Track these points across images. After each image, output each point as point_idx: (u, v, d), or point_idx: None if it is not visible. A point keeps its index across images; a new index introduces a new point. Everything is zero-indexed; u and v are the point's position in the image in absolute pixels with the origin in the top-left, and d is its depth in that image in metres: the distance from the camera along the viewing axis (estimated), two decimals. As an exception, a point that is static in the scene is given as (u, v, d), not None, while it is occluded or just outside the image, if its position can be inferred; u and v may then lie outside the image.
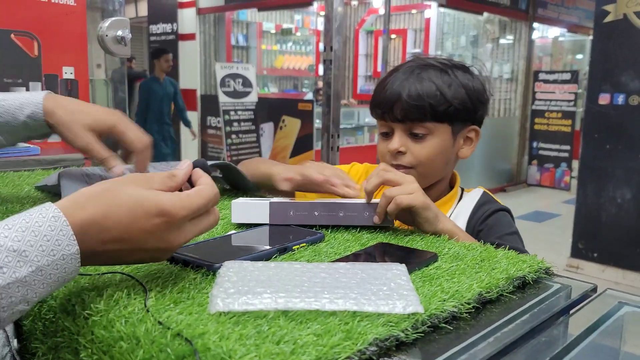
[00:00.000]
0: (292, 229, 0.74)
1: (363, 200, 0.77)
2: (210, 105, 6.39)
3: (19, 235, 0.44)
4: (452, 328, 0.50)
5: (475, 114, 0.98)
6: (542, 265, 0.64)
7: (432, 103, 0.92)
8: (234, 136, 5.71)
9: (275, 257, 0.65)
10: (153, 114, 5.51)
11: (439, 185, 1.03)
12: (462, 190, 1.06)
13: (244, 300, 0.48)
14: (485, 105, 1.00)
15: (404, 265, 0.57)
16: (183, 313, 0.48)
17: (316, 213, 0.75)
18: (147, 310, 0.47)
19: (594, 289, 0.61)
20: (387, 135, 0.99)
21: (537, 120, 6.32)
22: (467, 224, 0.98)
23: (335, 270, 0.54)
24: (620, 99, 3.59)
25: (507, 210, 1.01)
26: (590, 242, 3.75)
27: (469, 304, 0.53)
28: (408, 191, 0.75)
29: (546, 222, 5.15)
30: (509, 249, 0.82)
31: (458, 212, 1.00)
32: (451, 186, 1.06)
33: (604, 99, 3.66)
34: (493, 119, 6.80)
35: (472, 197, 1.02)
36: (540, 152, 6.36)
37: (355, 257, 0.64)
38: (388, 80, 0.97)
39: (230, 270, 0.54)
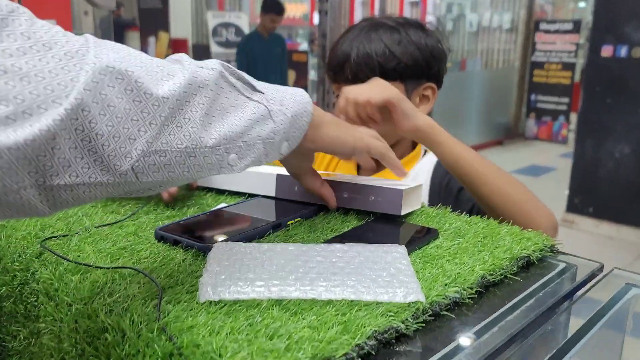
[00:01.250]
0: (285, 202, 0.71)
1: (398, 183, 0.67)
2: (202, 55, 6.24)
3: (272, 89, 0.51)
4: (453, 316, 0.47)
5: (429, 70, 0.96)
6: (547, 243, 0.61)
7: (380, 61, 0.91)
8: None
9: (269, 234, 0.62)
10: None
11: (399, 145, 1.01)
12: (426, 150, 1.04)
13: (236, 289, 0.45)
14: (441, 61, 0.97)
15: (404, 247, 0.54)
16: (171, 302, 0.46)
17: (345, 195, 0.68)
18: (157, 320, 0.45)
19: (601, 268, 0.59)
20: None
21: (536, 72, 6.21)
22: (432, 181, 0.97)
23: (331, 253, 0.52)
24: (623, 51, 3.51)
25: None
26: (586, 197, 3.75)
27: (471, 288, 0.50)
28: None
29: (543, 176, 5.14)
30: None
31: (419, 169, 0.99)
32: (414, 146, 1.04)
33: (606, 50, 3.57)
34: (491, 71, 6.68)
35: (432, 155, 1.00)
36: (539, 104, 6.27)
37: (352, 234, 0.61)
38: (339, 41, 0.96)
39: (220, 253, 0.51)
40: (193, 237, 0.58)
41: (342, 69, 0.94)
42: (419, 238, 0.60)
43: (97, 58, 0.39)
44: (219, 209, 0.68)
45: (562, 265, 0.59)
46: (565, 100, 6.10)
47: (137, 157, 0.40)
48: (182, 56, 0.47)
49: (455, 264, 0.54)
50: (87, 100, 0.37)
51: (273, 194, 0.72)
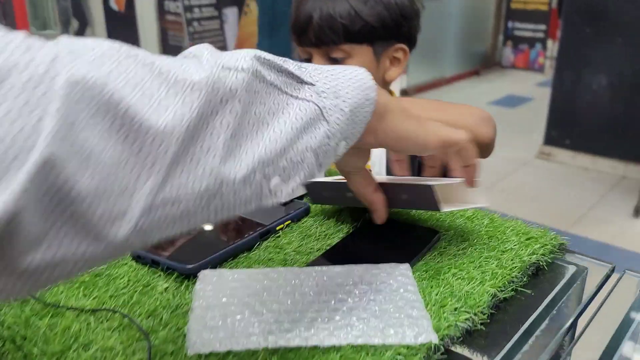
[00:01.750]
0: None
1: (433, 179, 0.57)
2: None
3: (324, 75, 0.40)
4: (466, 352, 0.44)
5: (398, 31, 0.89)
6: (555, 242, 0.57)
7: (344, 23, 0.84)
8: (195, 24, 5.33)
9: (259, 244, 0.57)
10: (278, 29, 3.88)
11: None
12: None
13: (228, 339, 0.40)
14: (412, 20, 0.90)
15: (407, 266, 0.49)
16: (156, 355, 0.41)
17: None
18: None
19: (612, 269, 0.56)
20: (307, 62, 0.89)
21: (514, -3, 6.04)
22: None
23: (330, 280, 0.47)
24: (605, -21, 3.40)
25: None
26: (563, 129, 3.75)
27: (483, 313, 0.46)
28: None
29: (519, 107, 5.12)
30: None
31: None
32: None
33: (587, -22, 3.46)
34: (469, -2, 6.47)
35: None
36: (516, 32, 6.14)
37: (349, 244, 0.56)
38: (303, 1, 0.88)
39: (207, 286, 0.46)
40: (173, 255, 0.53)
41: (306, 32, 0.86)
42: (420, 245, 0.55)
43: (70, 82, 0.27)
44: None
45: (572, 270, 0.55)
46: (542, 27, 5.98)
47: (139, 214, 0.30)
48: (201, 50, 0.35)
49: (462, 280, 0.50)
50: (60, 153, 0.27)
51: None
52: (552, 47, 6.20)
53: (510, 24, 6.21)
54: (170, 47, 6.30)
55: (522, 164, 3.81)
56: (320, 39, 0.85)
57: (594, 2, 3.44)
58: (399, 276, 0.47)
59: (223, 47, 5.56)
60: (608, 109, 3.53)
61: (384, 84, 0.93)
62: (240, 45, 5.66)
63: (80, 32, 5.64)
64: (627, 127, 3.50)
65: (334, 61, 0.86)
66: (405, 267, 0.49)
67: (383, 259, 0.51)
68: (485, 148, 0.77)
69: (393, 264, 0.49)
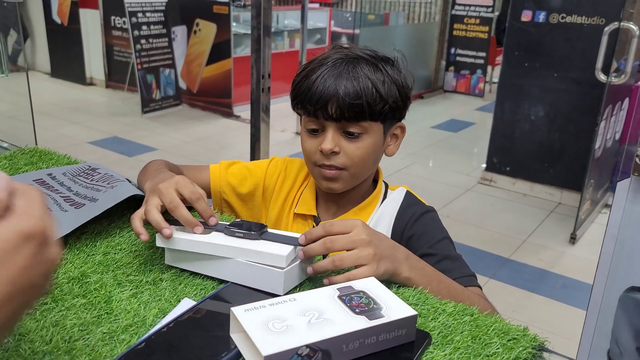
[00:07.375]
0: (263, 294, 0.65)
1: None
2: (113, 3, 5.74)
3: None
4: None
5: (403, 110, 0.95)
6: (535, 343, 0.61)
7: (369, 101, 0.88)
8: (143, 41, 5.22)
9: None
10: None
11: (363, 184, 0.98)
12: (387, 186, 1.02)
13: None
14: (410, 99, 0.96)
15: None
16: None
17: None
18: None
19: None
20: (315, 132, 0.92)
21: (455, 25, 6.29)
22: (394, 229, 0.95)
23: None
24: (542, 17, 3.60)
25: (433, 210, 0.98)
26: (504, 157, 3.93)
27: None
28: (362, 260, 0.69)
29: (461, 131, 5.32)
30: (443, 259, 0.87)
31: (381, 214, 0.97)
32: (375, 181, 1.02)
33: (526, 15, 3.65)
34: (413, 25, 6.69)
35: (395, 198, 0.99)
36: (458, 58, 6.40)
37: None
38: (315, 75, 0.90)
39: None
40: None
41: (326, 107, 0.88)
42: (412, 352, 0.56)
43: None
44: (184, 318, 0.61)
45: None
46: (483, 54, 6.26)
47: None
48: None
49: (455, 393, 0.52)
50: None
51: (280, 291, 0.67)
52: (491, 72, 6.49)
53: (452, 50, 6.46)
54: (116, 62, 6.14)
55: (465, 190, 3.95)
56: (342, 114, 0.87)
57: (532, 40, 3.65)
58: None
59: (171, 65, 5.47)
60: (545, 138, 3.74)
61: (378, 158, 0.97)
62: (189, 63, 5.58)
63: (20, 44, 5.38)
64: (561, 156, 3.71)
65: (350, 135, 0.89)
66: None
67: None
68: None
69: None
